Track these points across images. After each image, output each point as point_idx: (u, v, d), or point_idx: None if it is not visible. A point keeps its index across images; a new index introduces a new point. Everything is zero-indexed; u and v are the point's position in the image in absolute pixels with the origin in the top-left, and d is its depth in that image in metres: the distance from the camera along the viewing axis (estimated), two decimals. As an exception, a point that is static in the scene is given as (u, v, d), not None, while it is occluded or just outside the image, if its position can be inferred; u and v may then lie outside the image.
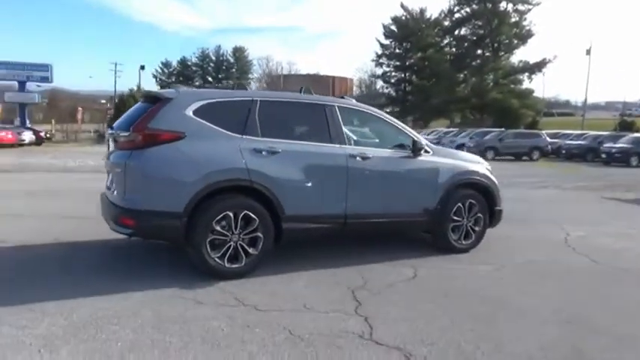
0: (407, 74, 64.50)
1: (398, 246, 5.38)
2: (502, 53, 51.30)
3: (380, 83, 70.03)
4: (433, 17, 58.59)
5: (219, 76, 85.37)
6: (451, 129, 38.25)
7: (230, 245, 4.05)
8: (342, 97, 5.18)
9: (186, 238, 3.94)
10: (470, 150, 26.52)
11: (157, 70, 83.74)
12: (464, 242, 5.25)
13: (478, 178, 5.31)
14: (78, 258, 4.67)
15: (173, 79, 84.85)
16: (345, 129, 4.68)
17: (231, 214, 4.02)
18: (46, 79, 37.28)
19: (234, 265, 4.07)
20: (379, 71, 66.86)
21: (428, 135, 35.96)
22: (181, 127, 3.98)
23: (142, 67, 46.31)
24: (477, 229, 5.32)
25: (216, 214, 3.97)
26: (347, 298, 3.75)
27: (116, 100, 43.79)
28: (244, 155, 4.08)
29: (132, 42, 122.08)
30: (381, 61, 65.78)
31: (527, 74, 49.74)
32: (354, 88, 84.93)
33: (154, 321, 3.20)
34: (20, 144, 28.60)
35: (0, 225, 5.94)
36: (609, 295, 4.08)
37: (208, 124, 4.08)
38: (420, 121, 57.72)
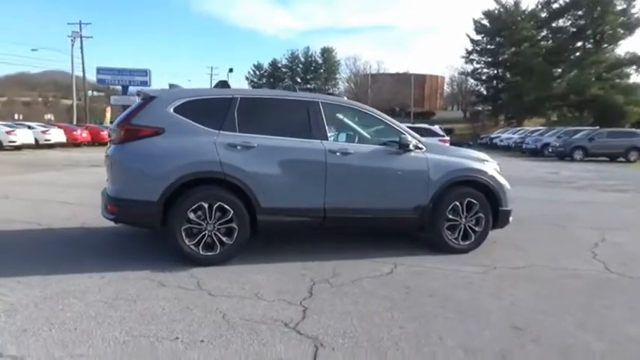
0: (499, 71, 61.53)
1: (394, 244, 5.32)
2: (605, 45, 46.82)
3: (471, 81, 67.51)
4: (529, 9, 55.22)
5: (308, 76, 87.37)
6: (539, 127, 35.81)
7: (205, 234, 4.31)
8: (332, 94, 5.21)
9: (162, 225, 4.26)
10: (556, 150, 24.70)
11: (249, 73, 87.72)
12: (462, 242, 5.05)
13: (477, 175, 5.07)
14: (87, 241, 5.21)
15: (264, 81, 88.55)
16: (327, 124, 4.74)
17: (205, 205, 4.28)
18: (145, 83, 40.78)
19: (208, 253, 4.32)
20: (469, 68, 64.39)
21: (514, 134, 34.02)
22: (161, 123, 4.32)
23: (231, 70, 49.09)
24: (477, 229, 5.09)
25: (191, 204, 4.24)
26: (301, 290, 3.82)
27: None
28: (218, 149, 4.32)
29: (232, 47, 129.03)
30: (471, 57, 63.38)
31: (634, 67, 44.91)
32: (445, 86, 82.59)
33: (111, 297, 3.54)
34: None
35: (46, 210, 6.78)
36: (588, 305, 3.72)
37: (187, 120, 4.38)
38: (513, 121, 54.65)
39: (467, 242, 5.09)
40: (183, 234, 4.24)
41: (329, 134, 4.73)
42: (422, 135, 17.32)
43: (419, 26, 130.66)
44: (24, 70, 73.36)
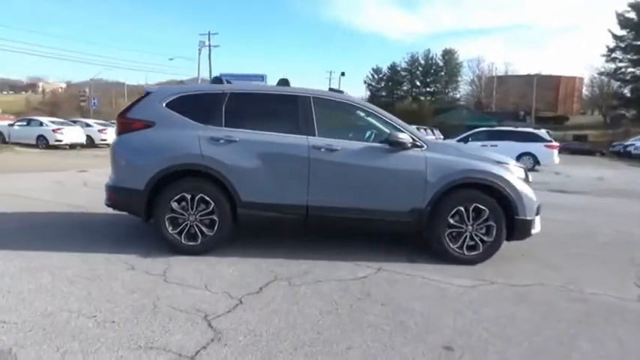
0: (646, 70, 53.86)
1: (396, 248, 4.99)
2: None
3: (613, 82, 60.09)
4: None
5: (427, 79, 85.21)
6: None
7: (187, 224, 4.46)
8: (333, 90, 5.02)
9: (149, 212, 4.50)
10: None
11: (367, 77, 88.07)
12: (467, 253, 4.56)
13: (485, 178, 4.52)
14: (103, 225, 5.63)
15: (382, 85, 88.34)
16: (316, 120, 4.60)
17: (188, 196, 4.43)
18: (261, 88, 43.32)
19: (190, 243, 4.47)
20: (611, 67, 57.40)
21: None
22: (152, 117, 4.57)
23: (342, 74, 49.76)
24: (486, 239, 4.55)
25: (174, 195, 4.43)
26: (254, 286, 3.77)
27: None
28: (201, 143, 4.45)
29: (355, 51, 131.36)
30: (613, 55, 56.53)
31: None
32: (584, 89, 74.83)
33: (78, 275, 3.83)
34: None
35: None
36: (569, 335, 3.12)
37: (177, 114, 4.58)
38: (663, 127, 47.43)
39: (474, 253, 4.58)
40: (166, 223, 4.44)
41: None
42: (524, 140, 16.01)
43: (557, 24, 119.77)
44: (173, 77, 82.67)
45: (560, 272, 4.50)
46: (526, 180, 4.80)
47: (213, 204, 4.44)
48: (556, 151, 17.92)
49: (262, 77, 44.24)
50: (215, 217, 4.46)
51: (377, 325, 3.12)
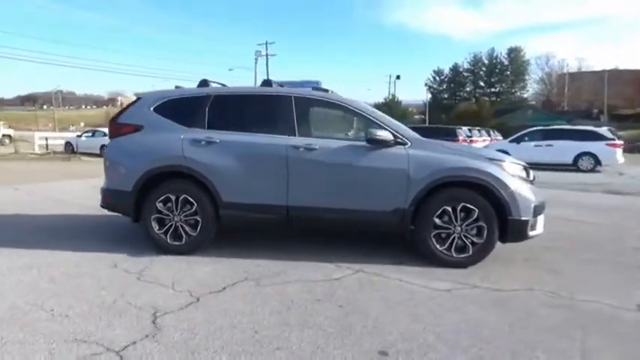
0: None
1: (387, 249, 4.81)
2: None
3: None
4: None
5: (492, 79, 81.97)
6: None
7: (172, 224, 4.58)
8: (316, 89, 4.94)
9: (137, 213, 4.66)
10: None
11: (429, 79, 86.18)
12: (455, 255, 4.31)
13: (474, 176, 4.26)
14: (111, 226, 5.86)
15: (444, 87, 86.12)
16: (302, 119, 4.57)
17: (172, 197, 4.55)
18: (316, 94, 43.78)
19: (175, 243, 4.58)
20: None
21: None
22: (141, 121, 4.74)
23: (398, 77, 49.14)
24: (477, 241, 4.28)
25: (160, 196, 4.56)
26: (220, 285, 3.78)
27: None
28: (184, 145, 4.55)
29: (419, 54, 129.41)
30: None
31: None
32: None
33: (63, 272, 4.03)
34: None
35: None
36: (522, 344, 2.85)
37: (164, 118, 4.72)
38: None
39: (463, 255, 4.32)
40: (153, 223, 4.58)
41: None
42: (583, 139, 14.97)
43: (635, 15, 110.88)
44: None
45: (560, 277, 4.14)
46: (525, 178, 4.47)
47: (196, 205, 4.53)
48: (619, 150, 16.54)
49: (317, 83, 44.80)
50: (198, 218, 4.54)
51: (321, 327, 3.02)
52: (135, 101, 4.91)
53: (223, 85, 5.17)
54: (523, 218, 4.26)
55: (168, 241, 4.58)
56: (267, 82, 4.82)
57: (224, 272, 4.11)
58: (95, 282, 3.82)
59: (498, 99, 76.15)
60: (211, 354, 2.65)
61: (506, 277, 4.10)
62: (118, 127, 4.81)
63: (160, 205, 4.56)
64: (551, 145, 17.08)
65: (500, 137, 25.63)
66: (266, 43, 49.62)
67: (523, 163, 4.67)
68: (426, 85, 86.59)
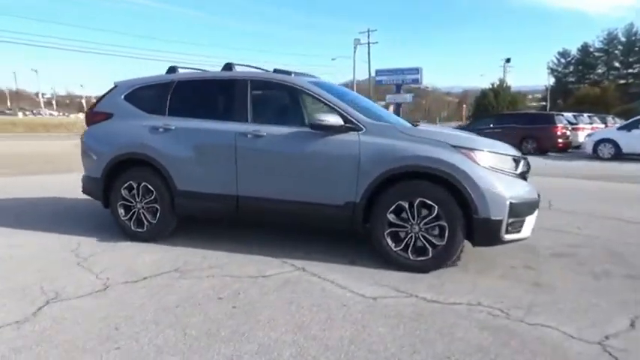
0: None
1: (350, 247, 4.35)
2: None
3: None
4: None
5: (629, 59, 72.18)
6: None
7: (134, 211, 4.61)
8: (277, 71, 4.55)
9: (106, 199, 4.76)
10: None
11: (552, 62, 78.44)
12: (412, 257, 3.75)
13: (430, 166, 3.63)
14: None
15: (570, 69, 77.92)
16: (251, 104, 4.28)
17: (135, 184, 4.57)
18: (416, 81, 42.08)
19: (138, 230, 4.60)
20: None
21: None
22: (112, 109, 4.81)
23: (508, 60, 45.26)
24: (437, 242, 3.68)
25: (123, 183, 4.61)
26: (139, 275, 3.68)
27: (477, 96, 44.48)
28: (144, 132, 4.52)
29: (543, 35, 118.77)
30: None
31: None
32: None
33: (22, 253, 4.26)
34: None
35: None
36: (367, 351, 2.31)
37: (131, 105, 4.73)
38: None
39: (421, 258, 3.73)
40: (119, 209, 4.65)
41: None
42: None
43: None
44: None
45: (536, 294, 3.37)
46: (507, 171, 3.72)
47: (155, 192, 4.49)
48: None
49: (417, 70, 43.14)
50: (157, 206, 4.50)
51: (186, 329, 2.77)
52: (111, 89, 5.00)
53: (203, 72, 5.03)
54: (493, 218, 3.54)
55: (132, 227, 4.61)
56: (227, 66, 4.60)
57: (164, 262, 4.02)
58: (35, 264, 3.93)
59: (637, 81, 66.86)
60: (44, 349, 2.54)
61: (463, 288, 3.44)
62: (93, 115, 4.94)
63: (124, 192, 4.61)
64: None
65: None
66: (368, 31, 49.04)
67: (512, 153, 3.89)
68: (548, 68, 78.95)
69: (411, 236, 3.74)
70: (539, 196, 4.09)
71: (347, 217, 3.91)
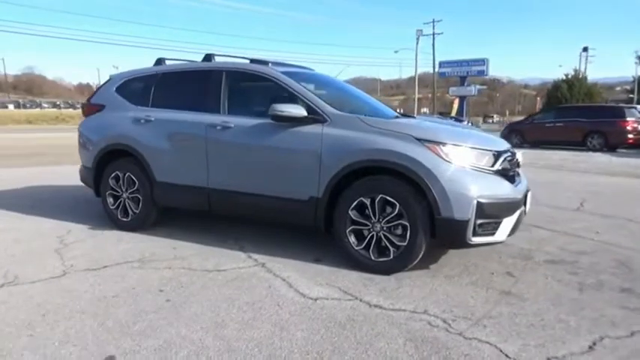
0: None
1: (320, 245, 4.17)
2: None
3: None
4: None
5: None
6: None
7: (121, 201, 4.72)
8: (254, 61, 4.41)
9: (97, 189, 4.91)
10: None
11: (640, 52, 71.64)
12: (374, 258, 3.52)
13: (389, 160, 3.37)
14: None
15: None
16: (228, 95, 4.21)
17: (120, 174, 4.68)
18: (482, 73, 40.17)
19: (124, 219, 4.71)
20: None
21: None
22: (104, 101, 4.94)
23: (585, 49, 41.89)
24: (398, 243, 3.42)
25: (110, 173, 4.73)
26: (103, 263, 3.75)
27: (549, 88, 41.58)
28: (128, 123, 4.60)
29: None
30: None
31: None
32: None
33: (16, 236, 4.50)
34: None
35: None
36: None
37: (120, 97, 4.83)
38: None
39: (383, 259, 3.49)
40: (108, 198, 4.78)
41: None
42: None
43: None
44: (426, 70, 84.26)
45: (496, 305, 3.03)
46: (481, 168, 3.38)
47: (137, 183, 4.57)
48: None
49: (483, 61, 41.09)
50: (139, 196, 4.58)
51: (103, 319, 2.75)
52: (106, 82, 5.14)
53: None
54: (457, 218, 3.22)
55: (119, 216, 4.72)
56: (207, 57, 4.54)
57: (133, 251, 4.06)
58: (17, 248, 4.12)
59: None
60: (-32, 329, 2.63)
61: (419, 293, 3.17)
62: (88, 107, 5.10)
63: (112, 182, 4.73)
64: None
65: None
66: (433, 22, 47.51)
67: (490, 147, 3.52)
68: (637, 57, 72.66)
69: (373, 235, 3.50)
70: (526, 196, 3.70)
71: (311, 213, 3.73)
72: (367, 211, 3.50)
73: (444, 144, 3.34)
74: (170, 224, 4.87)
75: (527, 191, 3.85)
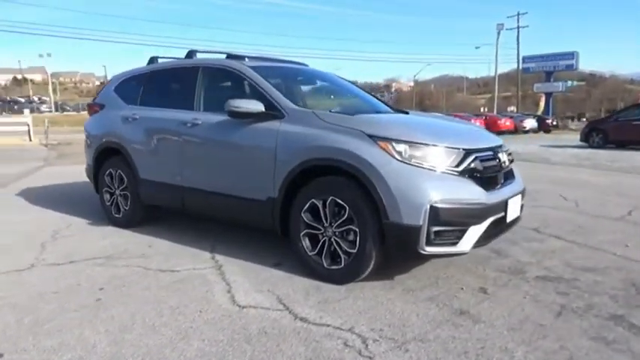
0: None
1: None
2: None
3: None
4: None
5: None
6: None
7: (114, 198, 4.83)
8: (230, 56, 4.24)
9: (96, 185, 5.06)
10: None
11: None
12: (327, 265, 3.24)
13: (332, 157, 3.08)
14: None
15: None
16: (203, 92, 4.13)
17: (113, 172, 4.79)
18: (570, 67, 37.05)
19: (116, 216, 4.82)
20: None
21: None
22: (104, 101, 5.08)
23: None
24: (349, 250, 3.13)
25: (105, 171, 4.86)
26: (73, 258, 3.83)
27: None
28: (119, 122, 4.68)
29: None
30: None
31: None
32: None
33: (19, 229, 4.76)
34: (524, 131, 30.78)
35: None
36: None
37: (117, 97, 4.93)
38: None
39: (334, 267, 3.21)
40: (104, 195, 4.91)
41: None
42: None
43: None
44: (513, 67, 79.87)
45: (437, 326, 2.64)
46: (446, 170, 2.98)
47: (126, 180, 4.64)
48: None
49: (572, 55, 37.81)
50: (128, 193, 4.65)
51: (25, 316, 2.76)
52: (108, 82, 5.29)
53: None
54: (406, 223, 2.85)
55: (113, 213, 4.83)
56: (189, 54, 4.49)
57: (107, 247, 4.12)
58: (7, 238, 4.37)
59: None
60: None
61: (359, 307, 2.85)
62: (91, 107, 5.28)
63: (107, 179, 4.85)
64: None
65: None
66: (517, 14, 44.64)
67: (458, 145, 3.09)
68: None
69: (325, 241, 3.22)
70: (507, 202, 3.21)
71: (270, 214, 3.52)
72: (320, 214, 3.22)
73: (396, 140, 2.98)
74: (170, 221, 4.92)
75: (516, 195, 3.36)
